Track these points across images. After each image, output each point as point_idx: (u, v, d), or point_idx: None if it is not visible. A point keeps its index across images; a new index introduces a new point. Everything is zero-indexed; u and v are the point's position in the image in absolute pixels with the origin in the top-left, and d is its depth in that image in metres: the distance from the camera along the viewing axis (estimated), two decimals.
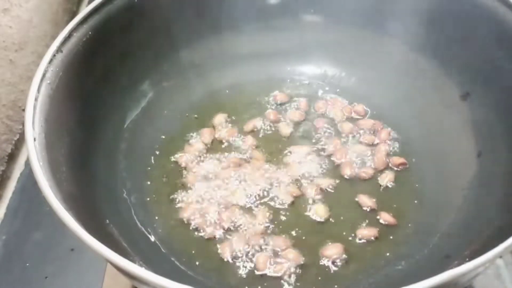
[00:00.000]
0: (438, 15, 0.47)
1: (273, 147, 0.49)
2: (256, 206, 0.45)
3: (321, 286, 0.40)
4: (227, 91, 0.54)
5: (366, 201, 0.45)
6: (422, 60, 0.49)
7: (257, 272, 0.41)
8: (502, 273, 0.43)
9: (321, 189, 0.46)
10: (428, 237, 0.42)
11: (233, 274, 0.41)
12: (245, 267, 0.41)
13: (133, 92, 0.49)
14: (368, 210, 0.44)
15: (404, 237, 0.43)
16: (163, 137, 0.50)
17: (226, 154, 0.49)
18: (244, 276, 0.41)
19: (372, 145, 0.49)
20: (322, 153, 0.49)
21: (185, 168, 0.48)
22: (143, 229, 0.43)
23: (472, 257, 0.29)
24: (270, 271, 0.41)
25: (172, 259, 0.42)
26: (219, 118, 0.51)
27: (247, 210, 0.44)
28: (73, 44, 0.41)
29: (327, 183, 0.46)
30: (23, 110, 0.45)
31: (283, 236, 0.43)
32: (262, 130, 0.51)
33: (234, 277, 0.41)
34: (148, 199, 0.46)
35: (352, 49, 0.53)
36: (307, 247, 0.42)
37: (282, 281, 0.40)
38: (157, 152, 0.49)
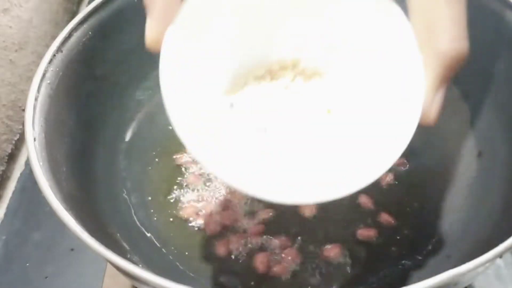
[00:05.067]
0: None
1: None
2: (256, 206, 0.45)
3: (320, 286, 0.40)
4: None
5: (366, 201, 0.45)
6: None
7: (256, 272, 0.41)
8: (502, 273, 0.43)
9: None
10: (428, 237, 0.42)
11: (233, 273, 0.41)
12: (245, 266, 0.41)
13: (134, 92, 0.49)
14: (368, 210, 0.44)
15: (404, 237, 0.43)
16: (164, 136, 0.50)
17: None
18: (244, 276, 0.41)
19: None
20: None
21: (185, 168, 0.48)
22: (143, 229, 0.43)
23: (472, 257, 0.29)
24: (269, 271, 0.41)
25: (172, 259, 0.42)
26: None
27: (247, 209, 0.44)
28: (73, 44, 0.41)
29: None
30: (23, 110, 0.45)
31: (283, 236, 0.43)
32: None
33: (234, 277, 0.41)
34: (148, 198, 0.46)
35: None
36: (307, 247, 0.42)
37: (281, 281, 0.40)
38: (157, 152, 0.49)
